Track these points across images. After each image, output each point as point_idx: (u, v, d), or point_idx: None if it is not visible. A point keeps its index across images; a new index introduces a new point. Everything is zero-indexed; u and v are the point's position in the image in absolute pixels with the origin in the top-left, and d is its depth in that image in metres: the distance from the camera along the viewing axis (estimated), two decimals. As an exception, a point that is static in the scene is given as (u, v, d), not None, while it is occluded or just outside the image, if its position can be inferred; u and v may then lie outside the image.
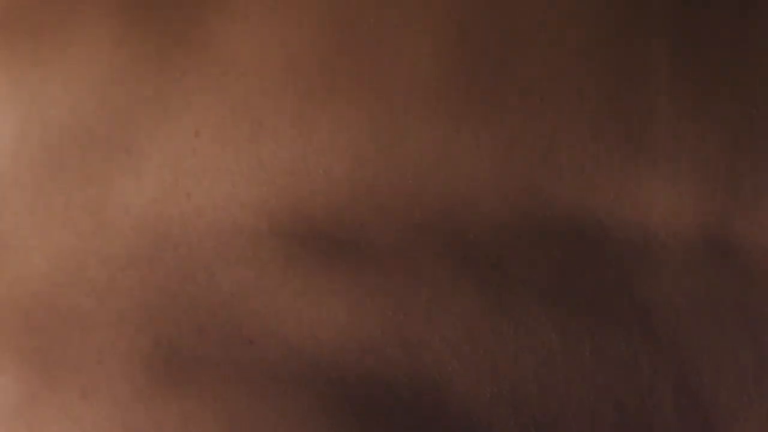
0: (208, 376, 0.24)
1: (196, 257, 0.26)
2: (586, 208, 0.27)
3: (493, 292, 0.26)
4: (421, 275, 0.26)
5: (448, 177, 0.27)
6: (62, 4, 0.27)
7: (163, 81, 0.27)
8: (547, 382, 0.26)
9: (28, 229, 0.26)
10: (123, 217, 0.26)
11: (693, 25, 0.28)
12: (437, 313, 0.25)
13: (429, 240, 0.27)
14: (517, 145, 0.27)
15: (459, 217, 0.27)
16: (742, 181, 0.28)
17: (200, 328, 0.25)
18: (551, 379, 0.26)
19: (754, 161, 0.28)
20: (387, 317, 0.25)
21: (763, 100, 0.29)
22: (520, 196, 0.27)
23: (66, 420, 0.23)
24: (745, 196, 0.28)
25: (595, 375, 0.26)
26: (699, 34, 0.28)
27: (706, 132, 0.28)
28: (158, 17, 0.27)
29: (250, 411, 0.24)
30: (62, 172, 0.27)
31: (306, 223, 0.26)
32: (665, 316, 0.27)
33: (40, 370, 0.24)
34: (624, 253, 0.27)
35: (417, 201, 0.27)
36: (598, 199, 0.28)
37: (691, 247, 0.28)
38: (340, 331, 0.25)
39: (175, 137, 0.27)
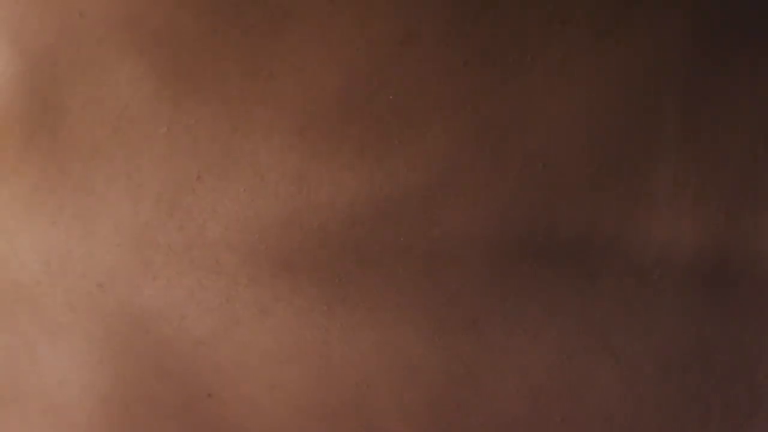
0: (161, 421, 0.24)
1: (173, 294, 0.26)
2: (583, 248, 0.28)
3: (477, 333, 0.26)
4: (395, 332, 0.26)
5: (441, 236, 0.27)
6: (88, 43, 0.28)
7: (175, 123, 0.27)
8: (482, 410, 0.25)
9: (20, 224, 0.27)
10: (112, 233, 0.27)
11: (704, 71, 0.29)
12: (403, 384, 0.25)
13: (412, 291, 0.27)
14: (519, 194, 0.27)
15: (443, 274, 0.27)
16: (742, 217, 0.28)
17: (163, 373, 0.25)
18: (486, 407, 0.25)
19: (755, 198, 0.28)
20: (349, 388, 0.25)
21: (765, 147, 0.29)
22: (518, 224, 0.27)
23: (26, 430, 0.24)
24: (745, 232, 0.28)
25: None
26: (710, 79, 0.29)
27: (709, 176, 0.28)
28: (178, 63, 0.27)
29: None
30: (63, 177, 0.28)
31: (288, 276, 0.27)
32: (648, 370, 0.27)
33: (10, 385, 0.25)
34: (612, 304, 0.28)
35: (403, 259, 0.27)
36: (594, 243, 0.28)
37: (684, 285, 0.28)
38: (301, 397, 0.25)
39: (177, 176, 0.27)
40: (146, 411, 0.23)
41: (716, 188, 0.27)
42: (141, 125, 0.24)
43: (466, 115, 0.25)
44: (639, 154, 0.26)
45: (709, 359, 0.26)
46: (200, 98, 0.25)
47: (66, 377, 0.23)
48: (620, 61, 0.26)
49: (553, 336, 0.25)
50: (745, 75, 0.27)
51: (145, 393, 0.23)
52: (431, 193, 0.25)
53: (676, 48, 0.27)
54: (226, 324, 0.23)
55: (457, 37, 0.25)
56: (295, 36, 0.24)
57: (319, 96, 0.24)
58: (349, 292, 0.24)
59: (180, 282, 0.24)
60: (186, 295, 0.24)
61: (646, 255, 0.27)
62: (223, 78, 0.25)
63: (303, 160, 0.25)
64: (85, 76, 0.25)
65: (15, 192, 0.26)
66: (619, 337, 0.26)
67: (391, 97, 0.24)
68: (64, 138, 0.25)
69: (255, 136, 0.25)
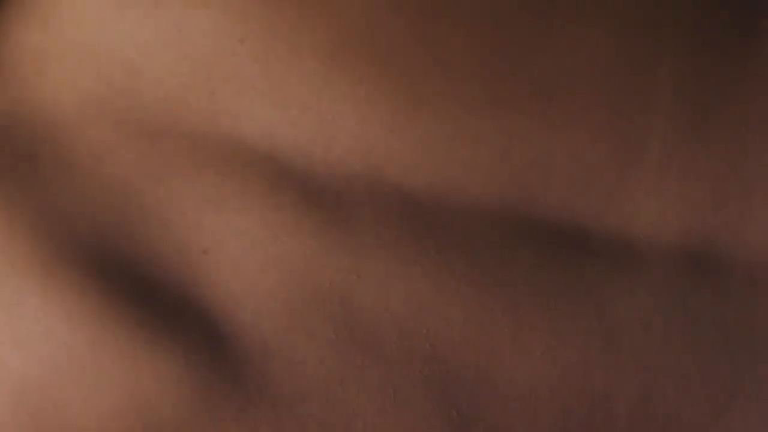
0: (156, 273, 0.26)
1: (193, 155, 0.27)
2: (573, 212, 0.27)
3: (455, 279, 0.26)
4: (387, 244, 0.26)
5: (445, 156, 0.27)
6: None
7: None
8: (486, 375, 0.25)
9: (71, 61, 0.28)
10: (153, 90, 0.28)
11: (696, 51, 0.28)
12: (391, 284, 0.26)
13: (409, 211, 0.27)
14: (516, 139, 0.27)
15: (444, 197, 0.27)
16: (729, 199, 0.28)
17: (166, 224, 0.27)
18: (494, 370, 0.25)
19: (742, 181, 0.28)
20: (339, 274, 0.26)
21: (757, 125, 0.28)
22: (509, 188, 0.27)
23: None
24: (731, 214, 0.28)
25: (542, 377, 0.26)
26: (701, 60, 0.28)
27: (697, 152, 0.28)
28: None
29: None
30: (109, 28, 0.28)
31: (302, 159, 0.27)
32: (632, 331, 0.27)
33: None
34: (600, 263, 0.27)
35: (410, 173, 0.27)
36: (585, 206, 0.27)
37: (671, 260, 0.27)
38: (290, 275, 0.26)
39: (220, 37, 0.28)
40: (142, 257, 0.24)
41: (703, 165, 0.26)
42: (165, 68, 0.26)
43: (487, 38, 0.25)
44: (631, 118, 0.26)
45: (692, 331, 0.26)
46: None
47: (74, 220, 0.25)
48: (613, 25, 0.25)
49: (543, 287, 0.25)
50: (734, 63, 0.26)
51: (145, 237, 0.24)
52: (435, 120, 0.25)
53: (669, 16, 0.26)
54: (237, 188, 0.24)
55: None
56: None
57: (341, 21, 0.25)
58: (355, 195, 0.25)
59: (202, 143, 0.25)
60: (205, 157, 0.25)
61: (636, 225, 0.26)
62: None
63: (334, 46, 0.25)
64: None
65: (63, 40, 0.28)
66: (604, 295, 0.26)
67: (393, 16, 0.25)
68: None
69: (298, 12, 0.26)
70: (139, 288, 0.26)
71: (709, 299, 0.27)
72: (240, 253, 0.26)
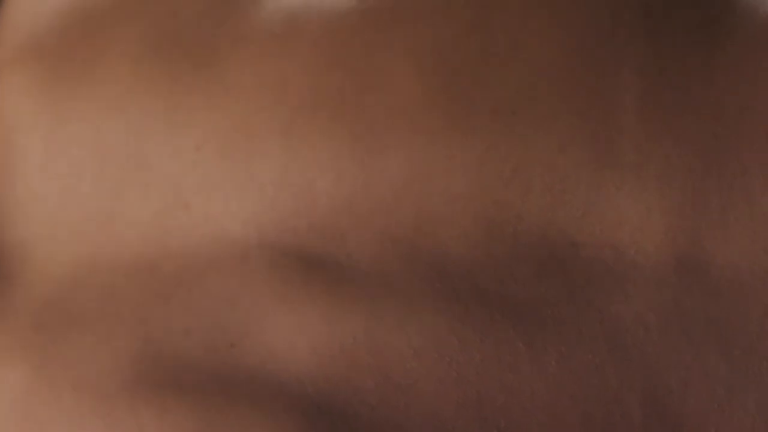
0: (191, 375, 0.26)
1: (191, 265, 0.27)
2: (556, 224, 0.28)
3: (462, 303, 0.27)
4: (395, 286, 0.27)
5: (423, 192, 0.28)
6: (86, 28, 0.29)
7: (172, 98, 0.29)
8: (512, 390, 0.26)
9: (47, 240, 0.28)
10: (130, 229, 0.28)
11: (660, 50, 0.29)
12: (407, 322, 0.27)
13: (405, 252, 0.28)
14: (488, 160, 0.28)
15: (433, 232, 0.28)
16: (710, 197, 0.29)
17: (188, 329, 0.27)
18: (516, 386, 0.26)
19: (721, 177, 0.29)
20: (358, 325, 0.26)
21: (729, 120, 0.29)
22: (491, 211, 0.28)
23: (55, 410, 0.25)
24: (714, 211, 0.29)
25: (561, 385, 0.27)
26: (666, 59, 0.29)
27: (672, 150, 0.29)
28: (172, 40, 0.29)
29: (226, 410, 0.25)
30: (80, 184, 0.29)
31: (291, 234, 0.28)
32: (633, 330, 0.28)
33: (38, 365, 0.26)
34: (592, 268, 0.28)
35: (394, 216, 0.28)
36: (567, 216, 0.28)
37: (660, 262, 0.28)
38: (314, 338, 0.26)
39: (178, 151, 0.28)
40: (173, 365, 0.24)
41: (679, 165, 0.27)
42: (142, 103, 0.27)
43: (434, 68, 0.26)
44: (599, 123, 0.27)
45: (687, 328, 0.27)
46: (190, 63, 0.27)
47: None
48: (576, 30, 0.26)
49: (545, 299, 0.26)
50: (699, 51, 0.28)
51: (172, 346, 0.24)
52: (413, 170, 0.27)
53: (630, 16, 0.27)
54: (242, 281, 0.25)
55: None
56: None
57: (297, 47, 0.26)
58: (362, 264, 0.26)
59: (196, 255, 0.26)
60: (204, 264, 0.26)
61: (621, 230, 0.27)
62: (206, 38, 0.27)
63: (292, 114, 0.27)
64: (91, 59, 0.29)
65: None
66: (602, 298, 0.27)
67: (358, 44, 0.27)
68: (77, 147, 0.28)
69: (244, 95, 0.27)
70: (165, 391, 0.26)
71: (701, 298, 0.28)
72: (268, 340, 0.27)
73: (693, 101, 0.29)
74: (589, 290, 0.28)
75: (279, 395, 0.26)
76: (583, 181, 0.28)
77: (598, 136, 0.28)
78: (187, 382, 0.26)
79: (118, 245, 0.28)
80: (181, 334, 0.27)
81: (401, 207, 0.28)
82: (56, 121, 0.29)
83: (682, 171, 0.29)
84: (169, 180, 0.28)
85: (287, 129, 0.28)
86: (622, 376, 0.27)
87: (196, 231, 0.28)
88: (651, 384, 0.27)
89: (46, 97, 0.29)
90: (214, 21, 0.29)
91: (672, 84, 0.29)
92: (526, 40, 0.28)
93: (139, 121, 0.29)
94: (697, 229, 0.29)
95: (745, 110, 0.29)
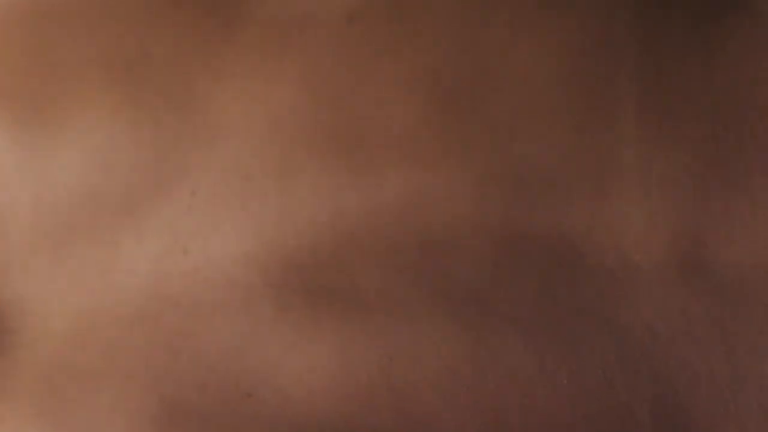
0: (210, 430, 0.26)
1: (196, 313, 0.27)
2: (561, 236, 0.28)
3: (474, 328, 0.27)
4: (404, 316, 0.27)
5: (426, 219, 0.28)
6: (61, 79, 0.28)
7: (160, 145, 0.28)
8: (528, 411, 0.27)
9: (46, 294, 0.28)
10: (129, 277, 0.28)
11: (657, 54, 0.29)
12: (420, 353, 0.27)
13: (410, 280, 0.28)
14: (489, 180, 0.28)
15: (438, 256, 0.28)
16: (711, 198, 0.29)
17: (202, 384, 0.27)
18: (532, 408, 0.27)
19: (722, 179, 0.29)
20: (372, 361, 0.27)
21: (729, 121, 0.29)
22: (496, 229, 0.28)
23: None
24: (716, 213, 0.29)
25: (574, 403, 0.27)
26: (663, 63, 0.29)
27: (673, 154, 0.29)
28: (150, 84, 0.28)
29: None
30: (73, 236, 0.28)
31: (295, 272, 0.27)
32: (640, 338, 0.28)
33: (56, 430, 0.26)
34: (599, 278, 0.28)
35: (398, 244, 0.28)
36: (573, 228, 0.28)
37: (664, 267, 0.29)
38: (329, 379, 0.26)
39: (173, 198, 0.28)
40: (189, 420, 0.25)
41: (681, 167, 0.27)
42: (129, 155, 0.26)
43: (427, 93, 0.26)
44: (600, 125, 0.27)
45: (693, 332, 0.27)
46: (177, 114, 0.26)
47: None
48: (566, 32, 0.26)
49: (554, 314, 0.27)
50: (697, 51, 0.27)
51: (188, 404, 0.24)
52: (406, 173, 0.26)
53: (624, 22, 0.27)
54: (251, 326, 0.25)
55: (397, 18, 0.26)
56: (249, 38, 0.26)
57: (284, 86, 0.26)
58: (370, 296, 0.26)
59: (200, 301, 0.26)
60: (210, 310, 0.26)
61: (626, 236, 0.28)
62: (192, 89, 0.26)
63: (283, 150, 0.26)
64: (70, 118, 0.27)
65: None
66: (611, 308, 0.27)
67: (349, 76, 0.26)
68: (59, 185, 0.26)
69: (235, 138, 0.26)
70: None
71: (706, 300, 0.29)
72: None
73: (692, 104, 0.29)
74: (598, 302, 0.28)
75: None
76: (587, 193, 0.28)
77: (599, 147, 0.28)
78: None
79: (119, 294, 0.28)
80: (196, 390, 0.27)
81: (404, 235, 0.28)
82: (40, 175, 0.28)
83: (684, 174, 0.29)
84: (165, 226, 0.28)
85: (282, 168, 0.28)
86: (632, 389, 0.28)
87: (197, 276, 0.28)
88: (660, 391, 0.28)
89: (25, 151, 0.28)
90: (189, 59, 0.28)
91: (670, 88, 0.29)
92: (519, 56, 0.28)
93: (127, 169, 0.28)
94: (701, 230, 0.29)
95: (745, 109, 0.29)
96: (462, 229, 0.28)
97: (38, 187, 0.28)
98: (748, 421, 0.28)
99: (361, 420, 0.26)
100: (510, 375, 0.27)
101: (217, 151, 0.27)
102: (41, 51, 0.28)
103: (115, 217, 0.28)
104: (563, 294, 0.28)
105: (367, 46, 0.27)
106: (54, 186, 0.28)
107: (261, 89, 0.27)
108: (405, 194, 0.28)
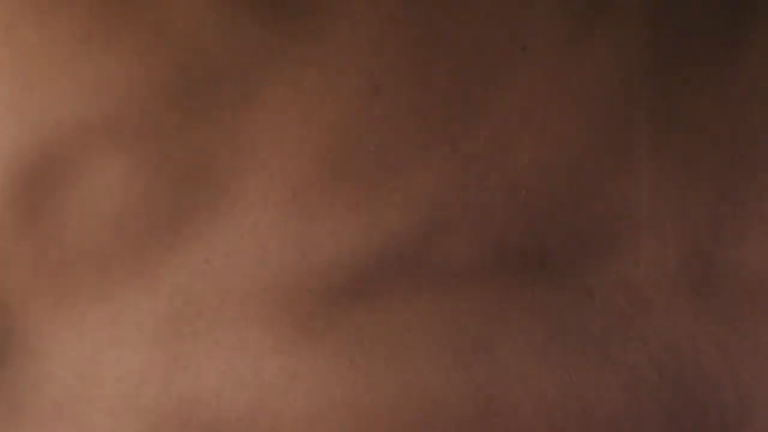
0: None
1: (205, 379, 0.28)
2: (575, 274, 0.28)
3: (474, 369, 0.27)
4: (416, 372, 0.27)
5: (442, 272, 0.28)
6: (75, 140, 0.28)
7: (175, 212, 0.28)
8: None
9: (48, 340, 0.29)
10: (137, 333, 0.28)
11: (671, 92, 0.28)
12: (416, 396, 0.27)
13: (424, 328, 0.28)
14: (508, 231, 0.28)
15: (450, 308, 0.28)
16: (724, 227, 0.29)
17: None
18: None
19: (735, 206, 0.29)
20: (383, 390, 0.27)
21: (743, 147, 0.29)
22: (507, 269, 0.28)
23: None
24: (727, 240, 0.29)
25: None
26: (676, 99, 0.28)
27: (688, 186, 0.29)
28: (168, 150, 0.28)
29: None
30: (80, 288, 0.29)
31: (306, 338, 0.28)
32: (649, 377, 0.28)
33: None
34: (609, 317, 0.28)
35: (410, 301, 0.28)
36: (585, 265, 0.28)
37: (674, 297, 0.28)
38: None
39: (186, 262, 0.28)
40: None
41: (695, 199, 0.27)
42: (142, 219, 0.25)
43: (446, 154, 0.26)
44: (615, 172, 0.26)
45: (701, 363, 0.27)
46: (194, 183, 0.26)
47: None
48: (585, 82, 0.25)
49: (558, 353, 0.26)
50: (712, 85, 0.26)
51: None
52: (426, 234, 0.26)
53: (639, 63, 0.26)
54: (261, 396, 0.25)
55: (421, 83, 0.25)
56: (269, 106, 0.25)
57: (304, 160, 0.25)
58: (367, 343, 0.26)
59: (209, 366, 0.26)
60: (219, 377, 0.26)
61: (637, 268, 0.27)
62: (210, 160, 0.26)
63: (301, 224, 0.26)
64: (77, 180, 0.26)
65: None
66: (618, 349, 0.27)
67: (372, 148, 0.25)
68: (66, 243, 0.26)
69: (253, 209, 0.26)
70: None
71: (714, 327, 0.28)
72: None
73: (707, 135, 0.29)
74: (605, 341, 0.28)
75: None
76: (602, 233, 0.28)
77: (615, 194, 0.28)
78: None
79: (124, 351, 0.28)
80: None
81: (418, 290, 0.28)
82: (44, 232, 0.28)
83: (697, 204, 0.29)
84: (178, 288, 0.28)
85: (300, 238, 0.28)
86: (639, 422, 0.27)
87: (208, 338, 0.28)
88: (664, 430, 0.28)
89: (30, 211, 0.28)
90: (208, 128, 0.27)
91: (684, 125, 0.29)
92: (539, 117, 0.28)
93: (143, 235, 0.28)
94: (711, 252, 0.29)
95: (759, 135, 0.28)
96: (474, 251, 0.28)
97: (43, 243, 0.28)
98: None
99: None
100: (509, 414, 0.27)
101: (234, 221, 0.27)
102: (48, 110, 0.27)
103: (126, 276, 0.28)
104: (571, 337, 0.28)
105: (392, 117, 0.27)
106: (62, 244, 0.28)
107: (281, 161, 0.27)
108: (418, 248, 0.28)
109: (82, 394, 0.28)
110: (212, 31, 0.26)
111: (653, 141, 0.28)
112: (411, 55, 0.26)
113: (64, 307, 0.28)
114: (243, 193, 0.27)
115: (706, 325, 0.28)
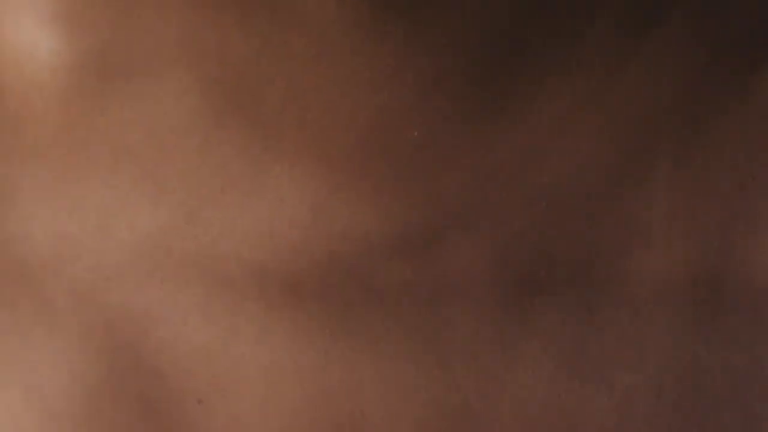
0: (149, 419, 0.25)
1: (178, 300, 0.27)
2: (577, 294, 0.27)
3: (462, 392, 0.26)
4: (395, 363, 0.26)
5: (446, 272, 0.27)
6: (139, 50, 0.27)
7: (210, 137, 0.28)
8: None
9: (42, 213, 0.27)
10: (128, 232, 0.27)
11: (694, 121, 0.28)
12: (398, 412, 0.26)
13: (414, 324, 0.27)
14: (520, 242, 0.27)
15: (446, 309, 0.27)
16: (733, 247, 0.28)
17: (157, 373, 0.26)
18: None
19: (746, 227, 0.28)
20: (344, 414, 0.26)
21: (757, 171, 0.29)
22: (520, 269, 0.27)
23: None
24: (737, 260, 0.28)
25: None
26: (702, 114, 0.28)
27: (700, 206, 0.28)
28: (223, 82, 0.27)
29: None
30: (89, 170, 0.28)
31: (294, 298, 0.27)
32: (645, 399, 0.27)
33: None
34: (608, 337, 0.27)
35: (408, 293, 0.27)
36: (591, 281, 0.28)
37: (678, 314, 0.28)
38: (292, 417, 0.26)
39: (202, 187, 0.27)
40: (134, 408, 0.23)
41: (707, 219, 0.28)
42: (176, 134, 0.25)
43: (478, 157, 0.26)
44: (633, 190, 0.27)
45: (702, 384, 0.27)
46: (238, 117, 0.26)
47: (57, 364, 0.24)
48: (620, 103, 0.27)
49: (549, 369, 0.26)
50: (732, 105, 0.28)
51: (136, 390, 0.23)
52: (440, 231, 0.26)
53: (669, 85, 0.28)
54: (226, 335, 0.24)
55: (480, 82, 0.27)
56: (331, 72, 0.26)
57: (347, 130, 0.25)
58: (352, 321, 0.25)
59: (187, 289, 0.25)
60: (191, 303, 0.25)
61: (642, 287, 0.28)
62: (263, 101, 0.26)
63: (322, 189, 0.26)
64: (130, 78, 0.26)
65: (38, 176, 0.26)
66: (614, 369, 0.27)
67: (415, 133, 0.26)
68: (97, 130, 0.26)
69: (282, 160, 0.26)
70: None
71: (718, 346, 0.27)
72: (237, 401, 0.26)
73: (726, 155, 0.28)
74: (601, 360, 0.27)
75: None
76: (612, 248, 0.28)
77: (629, 211, 0.28)
78: None
79: (119, 248, 0.27)
80: (150, 377, 0.26)
81: (424, 263, 0.27)
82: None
83: (709, 224, 0.28)
84: (183, 206, 0.27)
85: (322, 202, 0.27)
86: None
87: (200, 261, 0.27)
88: None
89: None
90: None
91: (704, 144, 0.28)
92: (569, 129, 0.27)
93: (172, 145, 0.27)
94: (719, 275, 0.28)
95: None
96: (483, 269, 0.27)
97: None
98: None
99: None
100: (485, 423, 0.26)
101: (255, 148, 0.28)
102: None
103: (139, 170, 0.27)
104: (568, 355, 0.27)
105: (442, 110, 0.27)
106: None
107: (325, 129, 0.27)
108: (432, 244, 0.27)
109: (51, 266, 0.27)
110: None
111: (674, 160, 0.29)
112: (472, 55, 0.27)
113: (64, 182, 0.27)
114: (278, 142, 0.26)
115: (711, 345, 0.27)
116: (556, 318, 0.27)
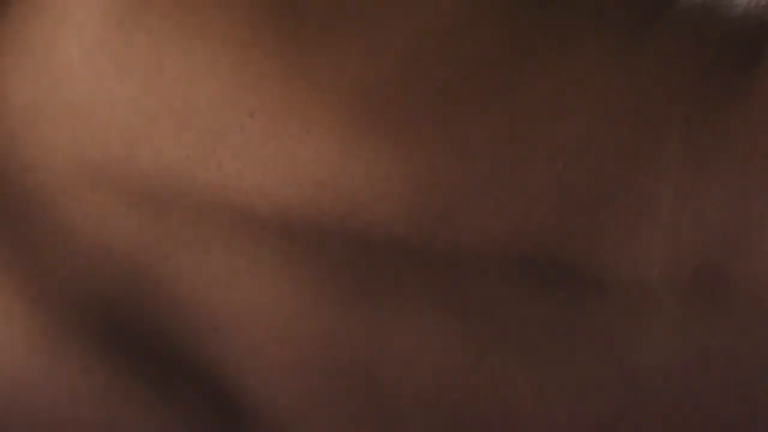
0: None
1: (200, 227, 0.26)
2: (589, 265, 0.27)
3: (477, 346, 0.26)
4: (407, 316, 0.26)
5: (465, 240, 0.27)
6: None
7: (240, 60, 0.27)
8: None
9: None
10: (157, 159, 0.27)
11: (704, 107, 0.28)
12: (413, 357, 0.26)
13: (434, 292, 0.27)
14: (535, 208, 0.27)
15: (469, 272, 0.27)
16: (740, 233, 0.28)
17: (175, 300, 0.26)
18: None
19: (752, 215, 0.28)
20: (361, 351, 0.26)
21: (760, 161, 0.28)
22: (525, 249, 0.27)
23: None
24: (743, 248, 0.28)
25: None
26: (713, 99, 0.28)
27: (708, 194, 0.28)
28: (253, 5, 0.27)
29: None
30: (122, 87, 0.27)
31: (316, 235, 0.27)
32: (654, 378, 0.27)
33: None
34: (618, 313, 0.27)
35: (429, 260, 0.27)
36: (601, 258, 0.27)
37: (685, 303, 0.28)
38: (309, 350, 0.26)
39: (229, 112, 0.26)
40: (149, 331, 0.24)
41: (713, 206, 0.28)
42: (211, 50, 0.25)
43: (506, 107, 0.26)
44: (644, 170, 0.27)
45: (709, 372, 0.27)
46: (274, 33, 0.25)
47: (74, 284, 0.24)
48: (634, 80, 0.27)
49: (564, 346, 0.26)
50: (739, 103, 0.28)
51: (152, 314, 0.24)
52: (460, 183, 0.26)
53: (682, 67, 0.27)
54: (249, 265, 0.24)
55: (511, 30, 0.26)
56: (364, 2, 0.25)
57: (378, 66, 0.25)
58: (373, 264, 0.25)
59: (210, 218, 0.24)
60: (214, 232, 0.24)
61: (651, 270, 0.27)
62: (294, 26, 0.25)
63: (349, 123, 0.25)
64: None
65: (66, 100, 0.26)
66: (625, 346, 0.26)
67: (443, 77, 0.26)
68: (133, 46, 0.25)
69: (312, 87, 0.25)
70: (147, 365, 0.25)
71: (725, 338, 0.27)
72: (254, 330, 0.26)
73: (734, 144, 0.28)
74: (611, 336, 0.27)
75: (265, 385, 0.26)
76: (621, 229, 0.27)
77: (639, 190, 0.28)
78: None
79: (142, 176, 0.26)
80: (166, 303, 0.26)
81: (439, 236, 0.27)
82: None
83: (716, 212, 0.28)
84: (214, 134, 0.27)
85: (345, 135, 0.26)
86: (639, 429, 0.26)
87: (222, 193, 0.26)
88: None
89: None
90: None
91: (713, 130, 0.28)
92: (591, 92, 0.27)
93: (205, 63, 0.27)
94: (724, 262, 0.28)
95: None
96: (492, 245, 0.27)
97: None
98: None
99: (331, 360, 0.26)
100: (503, 404, 0.26)
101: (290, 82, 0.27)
102: None
103: (162, 97, 0.27)
104: (578, 326, 0.27)
105: (461, 65, 0.27)
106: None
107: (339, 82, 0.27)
108: (434, 212, 0.27)
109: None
110: None
111: (685, 142, 0.28)
112: (492, 23, 0.26)
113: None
114: (308, 68, 0.26)
115: (718, 335, 0.27)
116: (566, 292, 0.27)
